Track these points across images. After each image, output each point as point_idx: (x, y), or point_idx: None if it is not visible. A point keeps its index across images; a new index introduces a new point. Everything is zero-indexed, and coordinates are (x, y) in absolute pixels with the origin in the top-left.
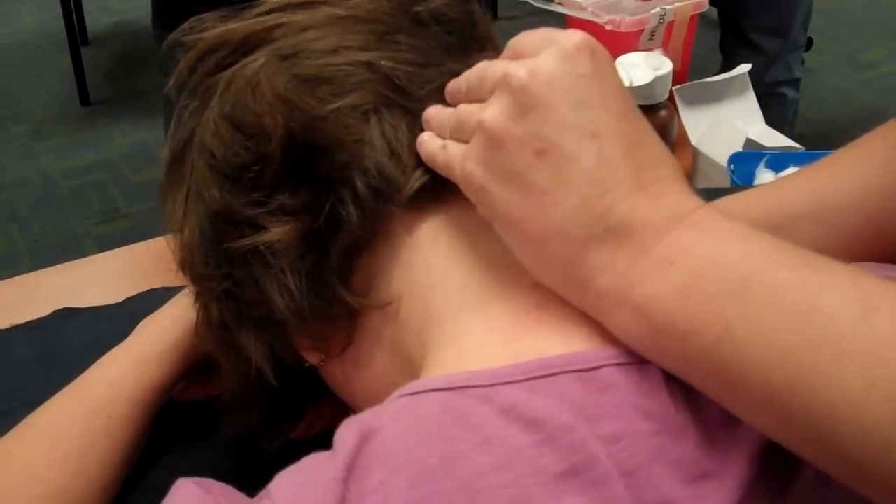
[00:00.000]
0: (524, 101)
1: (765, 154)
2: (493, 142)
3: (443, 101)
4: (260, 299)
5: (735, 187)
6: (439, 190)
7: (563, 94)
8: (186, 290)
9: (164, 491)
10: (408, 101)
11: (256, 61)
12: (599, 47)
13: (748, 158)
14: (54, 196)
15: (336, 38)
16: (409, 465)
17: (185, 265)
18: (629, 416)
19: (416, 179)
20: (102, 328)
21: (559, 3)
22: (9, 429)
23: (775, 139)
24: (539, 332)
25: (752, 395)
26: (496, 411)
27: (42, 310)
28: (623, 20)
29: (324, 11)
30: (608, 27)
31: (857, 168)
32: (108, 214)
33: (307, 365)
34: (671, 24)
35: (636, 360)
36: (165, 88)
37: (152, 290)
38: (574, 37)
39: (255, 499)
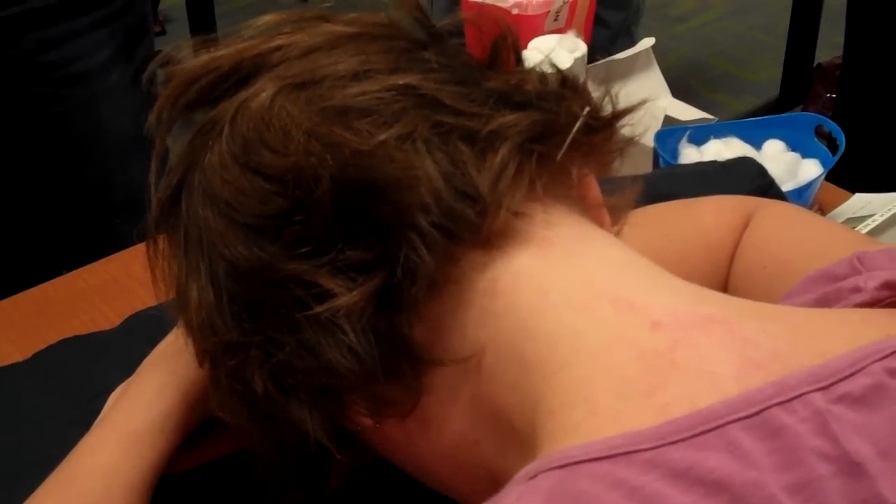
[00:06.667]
0: None
1: (686, 129)
2: None
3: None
4: (317, 365)
5: (662, 168)
6: (517, 224)
7: None
8: (162, 353)
9: None
10: (464, 121)
11: (262, 93)
12: None
13: (670, 135)
14: None
15: (355, 60)
16: None
17: (204, 331)
18: (806, 460)
19: (493, 215)
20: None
21: None
22: None
23: (687, 112)
24: (680, 377)
25: None
26: (669, 477)
27: None
28: (530, 2)
29: (324, 30)
30: (515, 11)
31: None
32: None
33: (358, 429)
34: (574, 3)
35: (796, 395)
36: (145, 127)
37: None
38: None
39: None
